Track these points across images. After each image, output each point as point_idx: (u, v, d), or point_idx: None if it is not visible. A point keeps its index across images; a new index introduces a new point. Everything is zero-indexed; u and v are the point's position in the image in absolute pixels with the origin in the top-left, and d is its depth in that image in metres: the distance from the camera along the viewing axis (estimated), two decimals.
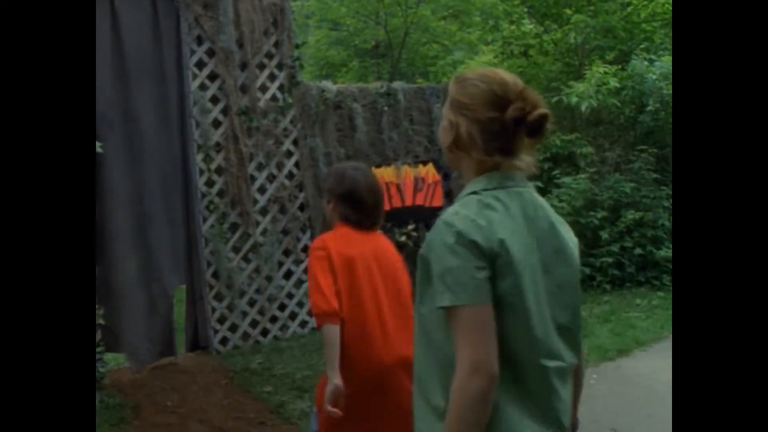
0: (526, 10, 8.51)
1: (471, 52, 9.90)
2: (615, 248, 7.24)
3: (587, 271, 7.26)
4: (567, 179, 7.28)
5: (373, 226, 2.88)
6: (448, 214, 1.67)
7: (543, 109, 1.68)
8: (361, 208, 2.82)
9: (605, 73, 7.14)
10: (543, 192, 7.51)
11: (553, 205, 7.12)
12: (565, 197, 7.16)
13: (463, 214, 1.65)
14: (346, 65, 10.89)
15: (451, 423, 1.58)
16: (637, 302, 6.92)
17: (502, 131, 1.69)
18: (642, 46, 8.07)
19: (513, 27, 8.73)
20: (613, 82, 7.09)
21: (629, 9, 8.29)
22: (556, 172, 7.52)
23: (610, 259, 7.25)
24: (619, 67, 7.54)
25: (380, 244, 2.89)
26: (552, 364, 1.68)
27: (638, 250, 7.23)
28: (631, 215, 7.17)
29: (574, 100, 7.04)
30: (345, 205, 2.82)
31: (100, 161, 5.10)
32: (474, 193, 1.71)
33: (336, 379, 2.51)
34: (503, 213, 1.67)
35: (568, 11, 7.79)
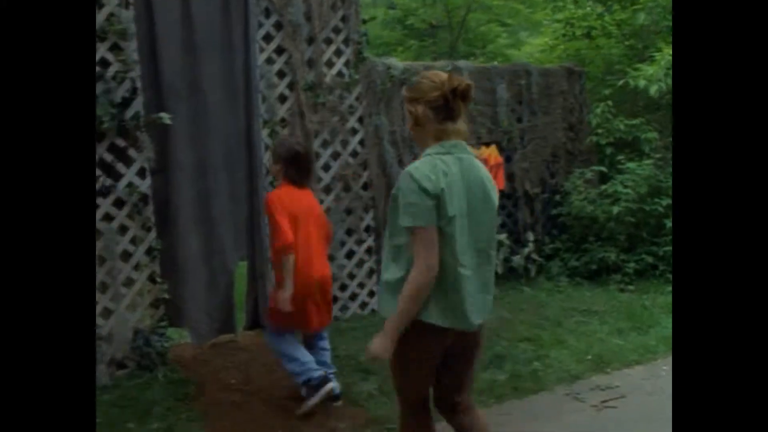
0: None
1: (536, 33, 9.54)
2: None
3: (650, 260, 6.99)
4: (631, 165, 6.99)
5: (307, 185, 4.28)
6: (412, 167, 2.52)
7: (467, 82, 2.56)
8: (302, 170, 4.17)
9: None
10: (606, 178, 7.24)
11: (616, 191, 6.92)
12: (630, 183, 6.87)
13: (421, 169, 2.50)
14: (402, 44, 10.63)
15: (404, 302, 2.48)
16: None
17: (444, 104, 2.54)
18: None
19: (572, 7, 8.41)
20: None
21: None
22: (620, 157, 7.24)
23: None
24: None
25: (312, 198, 4.30)
26: (465, 272, 2.56)
27: None
28: None
29: (642, 83, 6.74)
30: (290, 167, 4.14)
31: (168, 134, 4.97)
32: (429, 155, 2.57)
33: (290, 287, 3.99)
34: (446, 171, 2.51)
35: None
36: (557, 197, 7.33)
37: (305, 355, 4.25)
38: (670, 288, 6.83)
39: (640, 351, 5.28)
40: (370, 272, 6.09)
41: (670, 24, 7.57)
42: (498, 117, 6.81)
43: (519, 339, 5.59)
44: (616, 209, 6.73)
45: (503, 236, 6.95)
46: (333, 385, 4.21)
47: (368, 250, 6.05)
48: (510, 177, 6.99)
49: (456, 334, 2.64)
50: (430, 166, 2.50)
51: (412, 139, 2.91)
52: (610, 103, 7.31)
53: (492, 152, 6.81)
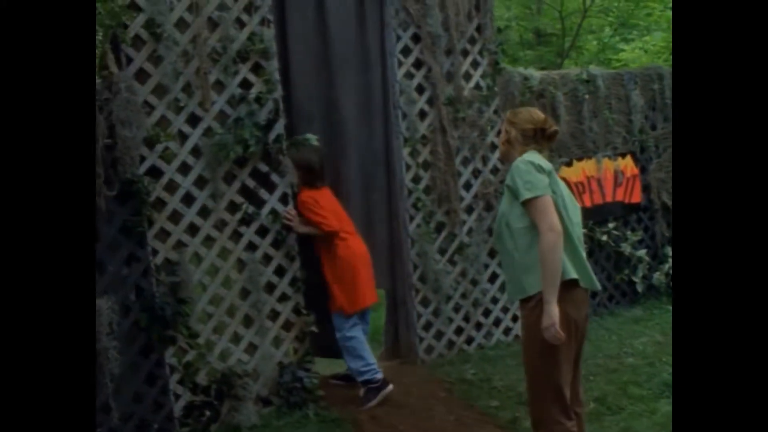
0: None
1: (647, 33, 8.87)
2: None
3: None
4: None
5: (323, 186, 4.56)
6: (521, 160, 2.89)
7: (555, 127, 3.08)
8: (317, 175, 4.50)
9: None
10: None
11: None
12: None
13: (527, 157, 2.89)
14: (507, 55, 10.09)
15: (546, 260, 2.71)
16: None
17: (533, 135, 3.03)
18: None
19: None
20: None
21: None
22: None
23: None
24: None
25: (331, 195, 4.62)
26: (579, 237, 2.92)
27: None
28: None
29: None
30: (307, 174, 4.48)
31: None
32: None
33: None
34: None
35: None
36: None
37: (371, 356, 4.50)
38: None
39: None
40: None
41: None
42: (633, 125, 6.23)
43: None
44: None
45: (642, 252, 6.36)
46: (391, 386, 4.48)
47: None
48: (645, 188, 6.39)
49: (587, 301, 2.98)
50: (534, 157, 2.91)
51: (501, 153, 3.23)
52: None
53: (628, 163, 6.25)
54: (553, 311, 2.70)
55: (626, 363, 4.99)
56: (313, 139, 4.38)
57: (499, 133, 3.81)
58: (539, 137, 3.04)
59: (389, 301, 5.36)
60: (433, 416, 4.33)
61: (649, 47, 8.11)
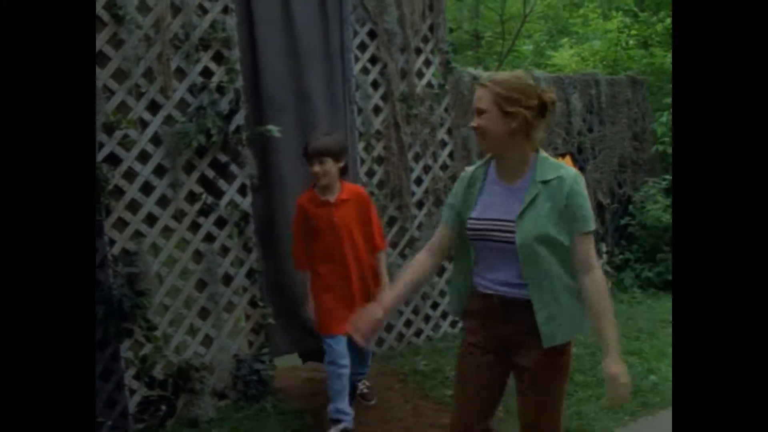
0: None
1: (581, 41, 9.11)
2: None
3: None
4: None
5: None
6: (574, 176, 2.23)
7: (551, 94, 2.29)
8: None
9: None
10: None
11: None
12: None
13: (574, 172, 2.25)
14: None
15: (607, 306, 2.21)
16: None
17: (539, 113, 2.26)
18: None
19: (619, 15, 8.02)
20: None
21: None
22: None
23: None
24: None
25: None
26: None
27: None
28: None
29: None
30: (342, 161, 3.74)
31: (270, 148, 4.45)
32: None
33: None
34: None
35: None
36: (630, 207, 6.88)
37: (345, 403, 3.77)
38: None
39: None
40: None
41: None
42: (572, 127, 6.37)
43: (624, 353, 5.12)
44: None
45: None
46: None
47: None
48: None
49: None
50: (572, 168, 2.30)
51: (495, 143, 2.24)
52: None
53: (567, 162, 6.36)
54: (619, 360, 2.21)
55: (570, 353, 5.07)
56: (274, 130, 4.21)
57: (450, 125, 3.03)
58: (547, 114, 2.27)
59: None
60: (391, 407, 4.25)
61: (585, 54, 8.37)
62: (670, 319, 5.88)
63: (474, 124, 2.26)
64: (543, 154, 2.29)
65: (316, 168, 3.59)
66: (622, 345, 5.12)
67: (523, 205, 2.23)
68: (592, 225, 2.21)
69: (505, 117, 2.19)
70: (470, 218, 2.34)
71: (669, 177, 6.71)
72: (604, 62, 8.42)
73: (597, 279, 2.20)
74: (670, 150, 6.85)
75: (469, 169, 2.48)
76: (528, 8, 8.54)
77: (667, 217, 6.41)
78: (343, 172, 3.72)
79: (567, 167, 2.24)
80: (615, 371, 2.19)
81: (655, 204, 6.48)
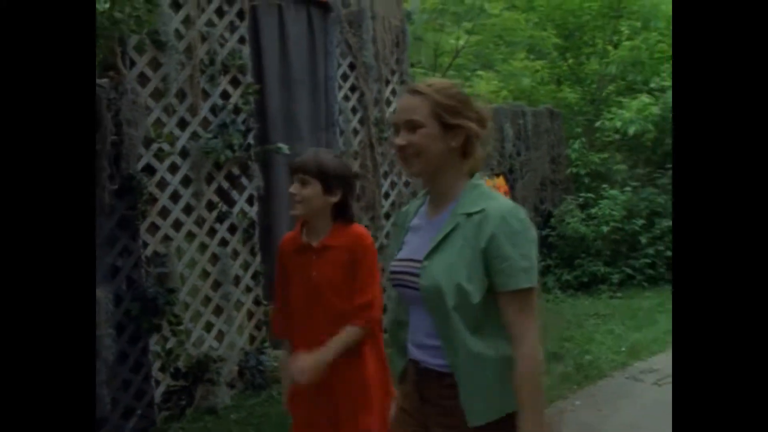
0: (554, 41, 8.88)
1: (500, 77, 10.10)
2: (651, 251, 7.67)
3: (629, 271, 7.63)
4: (613, 192, 7.66)
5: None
6: (512, 205, 1.67)
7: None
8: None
9: (648, 103, 7.64)
10: (587, 203, 7.86)
11: (605, 213, 7.53)
12: (614, 207, 7.53)
13: (511, 206, 1.67)
14: None
15: (537, 392, 1.61)
16: None
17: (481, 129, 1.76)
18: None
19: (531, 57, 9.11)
20: (655, 110, 7.59)
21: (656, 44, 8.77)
22: (594, 185, 7.91)
23: (647, 261, 7.68)
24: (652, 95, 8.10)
25: None
26: None
27: (669, 253, 7.66)
28: (665, 223, 7.63)
29: (619, 123, 7.48)
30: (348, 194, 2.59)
31: (270, 163, 4.93)
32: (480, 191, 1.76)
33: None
34: None
35: (609, 47, 8.27)
36: (551, 221, 7.85)
37: None
38: (649, 294, 7.46)
39: (659, 342, 5.73)
40: None
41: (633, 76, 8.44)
42: (504, 150, 7.24)
43: (560, 339, 5.94)
44: (605, 228, 7.34)
45: None
46: None
47: None
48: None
49: None
50: (511, 203, 1.70)
51: (431, 165, 1.72)
52: (583, 139, 8.01)
53: (501, 182, 7.22)
54: None
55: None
56: (284, 148, 4.71)
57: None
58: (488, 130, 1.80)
59: None
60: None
61: (511, 86, 9.41)
62: (591, 312, 6.81)
63: (402, 141, 1.71)
64: (476, 180, 1.76)
65: (292, 188, 2.50)
66: (556, 334, 6.01)
67: (434, 242, 1.71)
68: (524, 281, 1.60)
69: (447, 132, 1.69)
70: (393, 261, 1.84)
71: (583, 195, 7.73)
72: (523, 95, 9.46)
73: (523, 357, 1.60)
74: (582, 172, 7.90)
75: (405, 207, 2.00)
76: (460, 44, 9.53)
77: (582, 229, 7.39)
78: (341, 212, 2.55)
79: (500, 200, 1.69)
80: None
81: (573, 218, 7.45)
